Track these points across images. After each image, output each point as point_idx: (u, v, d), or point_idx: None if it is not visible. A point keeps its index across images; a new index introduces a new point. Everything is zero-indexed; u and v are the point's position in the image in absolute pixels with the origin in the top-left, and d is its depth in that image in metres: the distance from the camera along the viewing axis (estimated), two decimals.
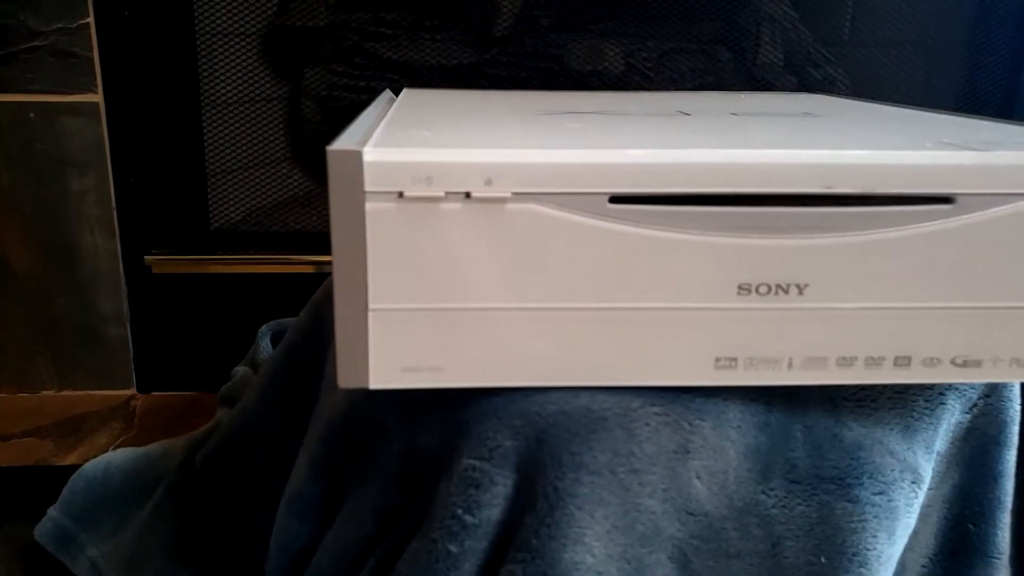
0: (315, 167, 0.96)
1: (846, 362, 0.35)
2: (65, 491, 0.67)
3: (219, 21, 0.84)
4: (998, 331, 0.34)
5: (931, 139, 0.36)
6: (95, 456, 0.69)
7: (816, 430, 0.37)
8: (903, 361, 0.35)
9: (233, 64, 0.87)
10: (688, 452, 0.35)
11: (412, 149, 0.31)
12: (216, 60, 0.85)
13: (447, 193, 0.31)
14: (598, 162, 0.31)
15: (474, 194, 0.31)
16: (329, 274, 0.90)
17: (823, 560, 0.37)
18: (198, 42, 0.82)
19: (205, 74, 0.84)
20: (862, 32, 0.95)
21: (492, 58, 0.89)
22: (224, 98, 0.87)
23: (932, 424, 0.40)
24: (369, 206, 0.31)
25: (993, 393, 0.41)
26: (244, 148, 0.89)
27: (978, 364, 0.35)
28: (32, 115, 0.79)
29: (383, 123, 0.38)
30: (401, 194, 0.31)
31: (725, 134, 0.37)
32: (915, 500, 0.39)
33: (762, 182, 0.32)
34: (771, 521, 0.36)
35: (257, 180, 0.91)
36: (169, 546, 0.63)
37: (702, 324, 0.34)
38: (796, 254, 0.33)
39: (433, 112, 0.44)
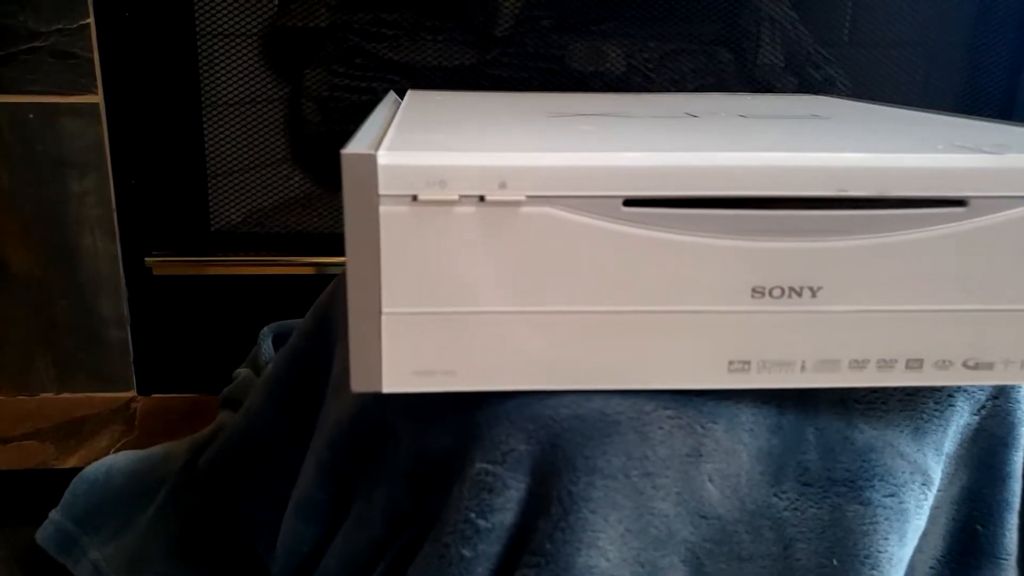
0: (316, 168, 0.96)
1: (858, 365, 0.35)
2: (67, 494, 0.67)
3: (219, 22, 0.84)
4: (1010, 333, 0.35)
5: (942, 142, 0.36)
6: (96, 459, 0.68)
7: (828, 432, 0.37)
8: (915, 364, 0.35)
9: (233, 65, 0.86)
10: (701, 455, 0.35)
11: (426, 152, 0.31)
12: (216, 61, 0.85)
13: (461, 196, 0.31)
14: (612, 165, 0.31)
15: (488, 197, 0.31)
16: (333, 276, 0.90)
17: (835, 563, 0.37)
18: (198, 43, 0.82)
19: (205, 75, 0.84)
20: (862, 33, 0.95)
21: (493, 59, 0.89)
22: (224, 99, 0.87)
23: (942, 426, 0.40)
24: (383, 209, 0.31)
25: (1001, 395, 0.41)
26: (244, 149, 0.89)
27: (989, 366, 0.35)
28: (32, 116, 0.79)
29: (393, 126, 0.38)
30: (415, 197, 0.31)
31: (737, 137, 0.37)
32: (925, 502, 0.39)
33: (776, 185, 0.32)
34: (783, 524, 0.36)
35: (257, 181, 0.91)
36: (172, 549, 0.63)
37: (715, 327, 0.34)
38: (809, 257, 0.33)
39: (441, 115, 0.44)
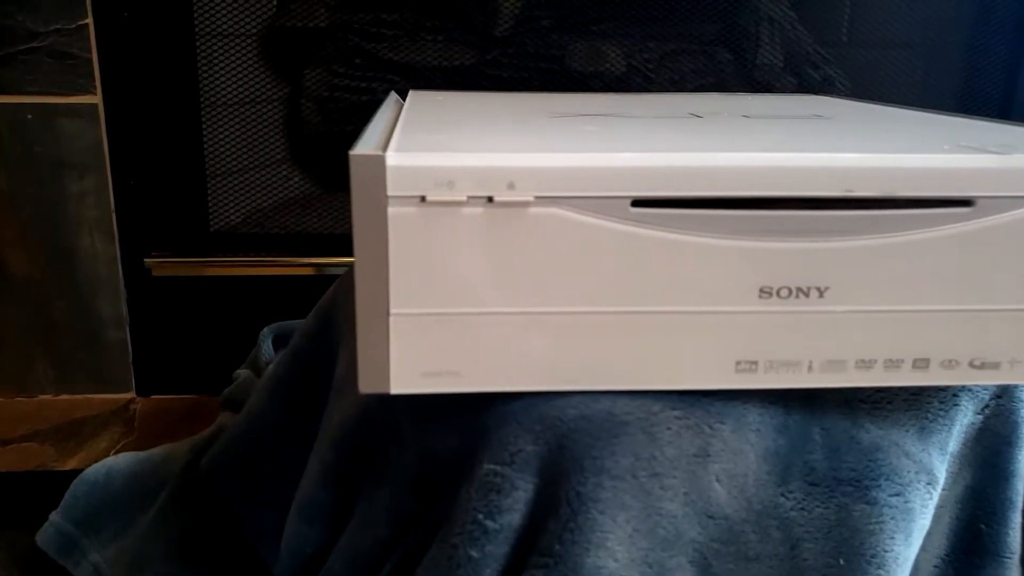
0: (315, 169, 0.96)
1: (865, 365, 0.35)
2: (67, 496, 0.67)
3: (219, 22, 0.84)
4: (1016, 333, 0.35)
5: (947, 142, 0.36)
6: (96, 461, 0.68)
7: (834, 432, 0.37)
8: (921, 363, 0.35)
9: (233, 65, 0.86)
10: (708, 456, 0.35)
11: (434, 153, 0.31)
12: (216, 61, 0.85)
13: (469, 197, 0.31)
14: (621, 166, 0.31)
15: (496, 198, 0.31)
16: (333, 277, 0.90)
17: (841, 562, 0.37)
18: (197, 43, 0.82)
19: (204, 75, 0.84)
20: (860, 33, 0.95)
21: (493, 59, 0.89)
22: (224, 99, 0.86)
23: (946, 425, 0.40)
24: (391, 210, 0.31)
25: (1004, 394, 0.41)
26: (244, 150, 0.89)
27: (996, 366, 0.35)
28: (30, 117, 0.78)
29: (399, 127, 0.38)
30: (423, 198, 0.31)
31: (743, 137, 0.37)
32: (930, 501, 0.39)
33: (784, 186, 0.32)
34: (790, 523, 0.36)
35: (257, 182, 0.91)
36: (173, 550, 0.63)
37: (723, 327, 0.34)
38: (817, 257, 0.33)
39: (445, 115, 0.44)
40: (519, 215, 0.32)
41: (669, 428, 0.35)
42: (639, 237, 0.32)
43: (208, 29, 0.83)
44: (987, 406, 0.41)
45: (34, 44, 0.76)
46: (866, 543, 0.37)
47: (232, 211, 0.89)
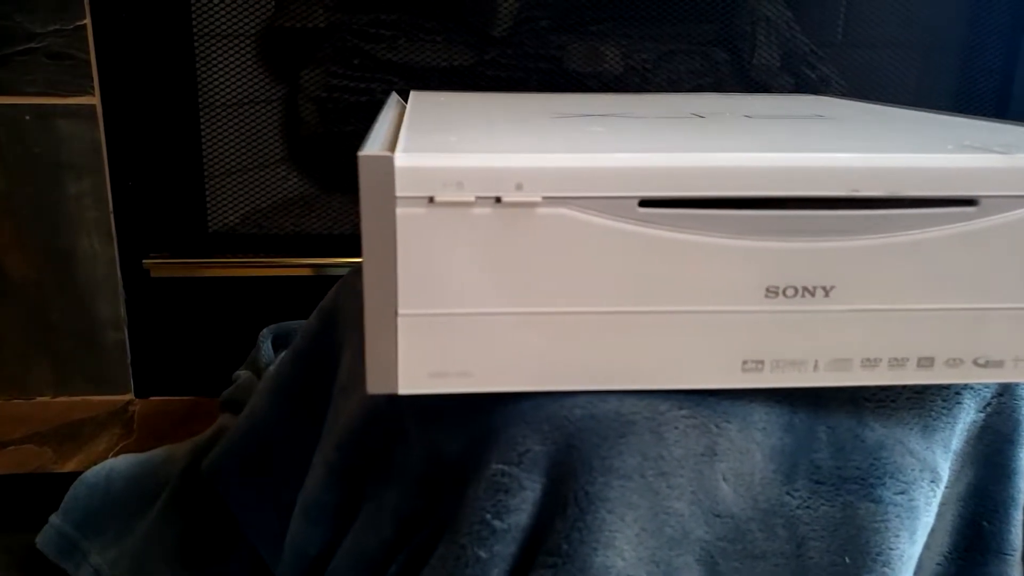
0: (313, 169, 0.95)
1: (870, 363, 0.35)
2: (67, 498, 0.66)
3: (217, 23, 0.83)
4: (1020, 331, 0.35)
5: (951, 142, 0.36)
6: (95, 463, 0.68)
7: (839, 431, 0.38)
8: (926, 362, 0.35)
9: (231, 66, 0.86)
10: (715, 454, 0.35)
11: (442, 154, 0.31)
12: (214, 62, 0.84)
13: (477, 198, 0.31)
14: (629, 166, 0.31)
15: (504, 199, 0.31)
16: (331, 277, 0.89)
17: (847, 560, 0.37)
18: (196, 44, 0.82)
19: (203, 76, 0.83)
20: (856, 33, 0.96)
21: (491, 59, 0.89)
22: (222, 100, 0.86)
23: (949, 424, 0.40)
24: (400, 211, 0.31)
25: (1006, 392, 0.42)
26: (242, 150, 0.89)
27: (1000, 364, 0.35)
28: (28, 118, 0.78)
29: (404, 128, 0.38)
30: (432, 199, 0.31)
31: (748, 137, 0.37)
32: (934, 499, 0.39)
33: (790, 186, 0.32)
34: (796, 522, 0.37)
35: (255, 182, 0.90)
36: (174, 552, 0.63)
37: (730, 327, 0.34)
38: (823, 257, 0.33)
39: (449, 116, 0.44)
40: (527, 215, 0.32)
41: (676, 427, 0.35)
42: (646, 237, 0.32)
43: (206, 30, 0.83)
44: (989, 404, 0.42)
45: (32, 45, 0.76)
46: (871, 541, 0.37)
47: (230, 212, 0.89)
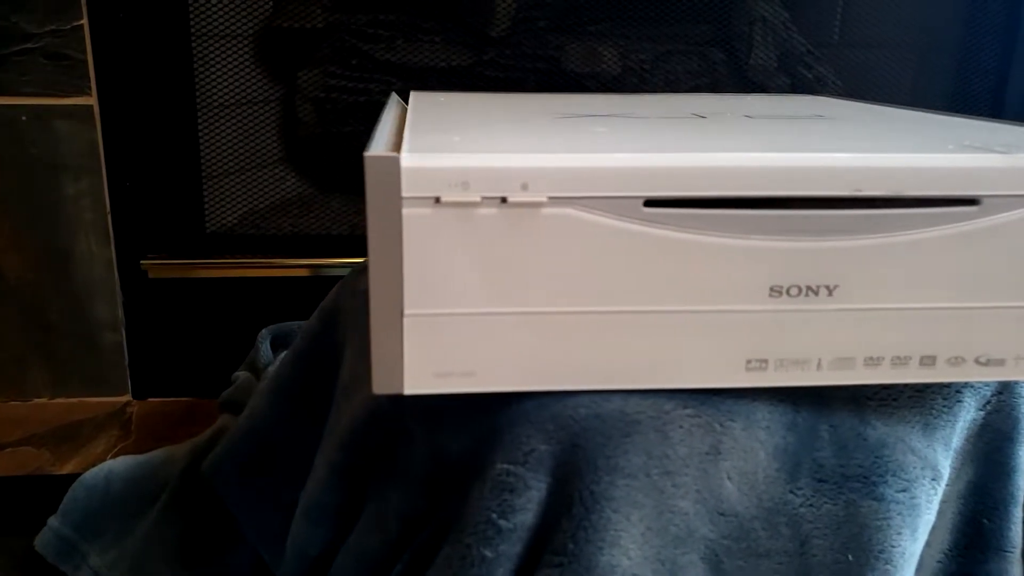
0: (311, 170, 0.95)
1: (873, 362, 0.35)
2: (65, 500, 0.66)
3: (214, 23, 0.83)
4: (1021, 330, 0.35)
5: (951, 142, 0.37)
6: (92, 464, 0.68)
7: (841, 429, 0.38)
8: (928, 361, 0.35)
9: (228, 66, 0.86)
10: (720, 453, 0.35)
11: (448, 154, 0.31)
12: (211, 62, 0.84)
13: (483, 198, 0.31)
14: (634, 166, 0.31)
15: (510, 199, 0.31)
16: (329, 278, 0.89)
17: (850, 558, 0.37)
18: (193, 44, 0.81)
19: (200, 76, 0.83)
20: (852, 33, 0.96)
21: (489, 60, 0.89)
22: (219, 100, 0.86)
23: (950, 422, 0.40)
24: (406, 211, 0.31)
25: (1006, 390, 0.42)
26: (239, 151, 0.89)
27: (1001, 362, 0.36)
28: (25, 118, 0.78)
29: (408, 128, 0.38)
30: (438, 199, 0.31)
31: (751, 138, 0.37)
32: (935, 497, 0.40)
33: (795, 185, 0.32)
34: (799, 520, 0.37)
35: (253, 183, 0.90)
36: (174, 554, 0.63)
37: (734, 326, 0.34)
38: (827, 256, 0.33)
39: (451, 116, 0.44)
40: (532, 215, 0.32)
41: (681, 426, 0.35)
42: (651, 237, 0.32)
43: (204, 30, 0.83)
44: (989, 402, 0.42)
45: (29, 45, 0.76)
46: (874, 539, 0.37)
47: (228, 212, 0.89)
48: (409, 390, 0.33)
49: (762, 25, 0.93)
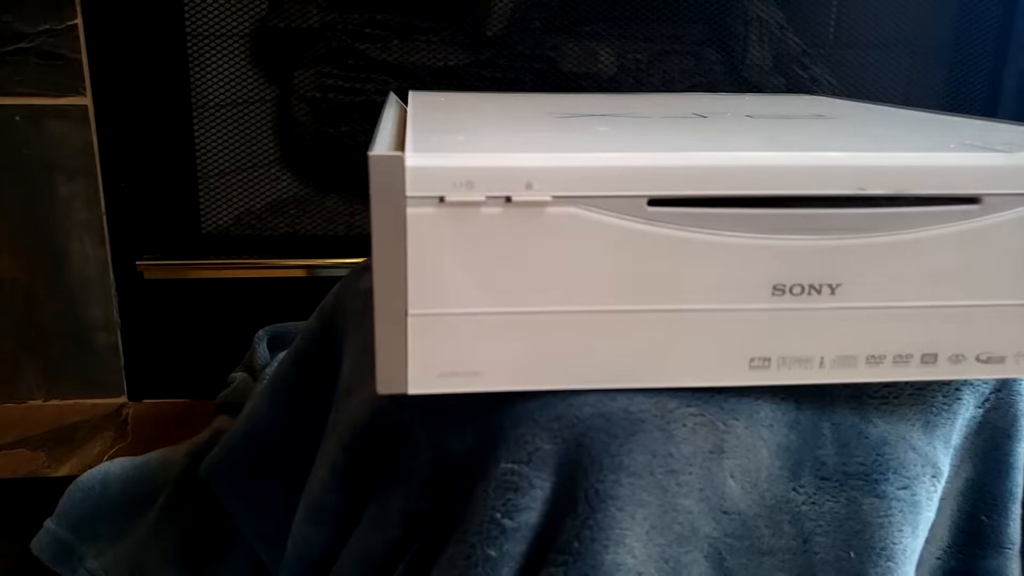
0: (307, 170, 0.95)
1: (875, 360, 0.35)
2: (62, 502, 0.66)
3: (210, 22, 0.83)
4: (1022, 327, 0.35)
5: (952, 141, 0.37)
6: (88, 467, 0.67)
7: (843, 427, 0.38)
8: (930, 358, 0.36)
9: (224, 66, 0.85)
10: (723, 452, 0.35)
11: (452, 154, 0.31)
12: (207, 62, 0.84)
13: (488, 197, 0.31)
14: (638, 165, 0.32)
15: (515, 198, 0.31)
16: (325, 278, 0.89)
17: (852, 555, 0.37)
18: (188, 44, 0.81)
19: (195, 76, 0.83)
20: (847, 33, 0.96)
21: (485, 60, 0.89)
22: (215, 100, 0.86)
23: (950, 419, 0.41)
24: (410, 211, 0.31)
25: (1004, 388, 0.42)
26: (235, 151, 0.88)
27: (1001, 360, 0.36)
28: (18, 118, 0.77)
29: (410, 128, 0.38)
30: (442, 199, 0.31)
31: (754, 137, 0.38)
32: (935, 494, 0.40)
33: (798, 184, 0.32)
34: (802, 518, 0.37)
35: (248, 183, 0.90)
36: (172, 556, 0.62)
37: (737, 325, 0.34)
38: (829, 254, 0.33)
39: (452, 116, 0.44)
40: (537, 215, 0.32)
41: (685, 425, 0.35)
42: (656, 236, 0.32)
43: (199, 30, 0.82)
44: (987, 400, 0.42)
45: (22, 45, 0.75)
46: (876, 536, 0.37)
47: (224, 213, 0.88)
48: (413, 390, 0.33)
49: (757, 25, 0.93)
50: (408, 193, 0.31)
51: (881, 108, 0.55)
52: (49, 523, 0.65)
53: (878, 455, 0.38)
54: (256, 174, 0.91)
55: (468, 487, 0.37)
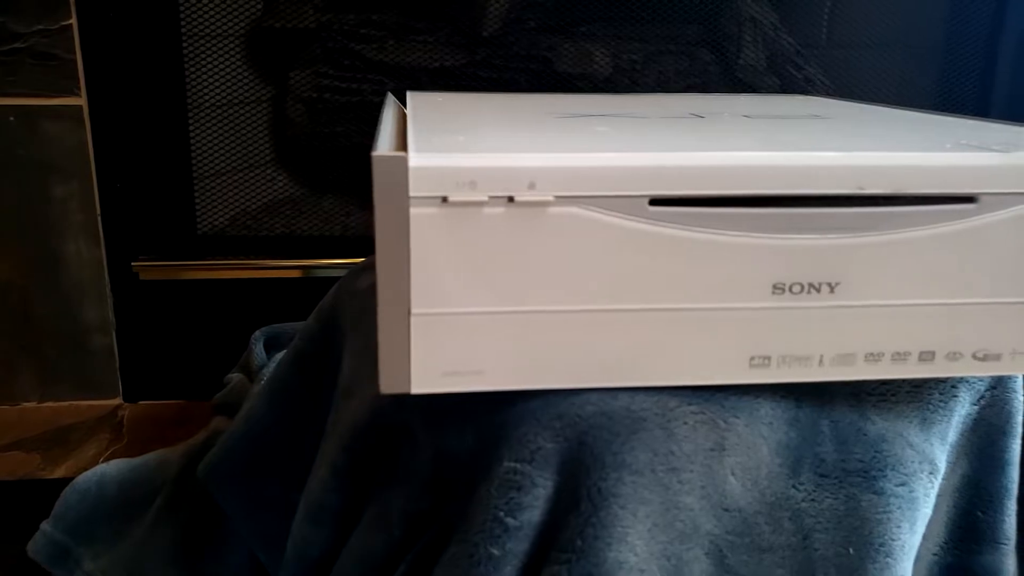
0: (303, 170, 0.95)
1: (874, 358, 0.36)
2: (58, 505, 0.66)
3: (205, 22, 0.83)
4: (1018, 325, 0.36)
5: (948, 140, 0.37)
6: (84, 468, 0.67)
7: (842, 425, 0.38)
8: (927, 356, 0.36)
9: (219, 66, 0.85)
10: (724, 449, 0.36)
11: (455, 154, 0.31)
12: (202, 62, 0.84)
13: (490, 197, 0.31)
14: (640, 165, 0.32)
15: (517, 198, 0.31)
16: (324, 279, 0.89)
17: (851, 551, 0.38)
18: (184, 44, 0.81)
19: (191, 76, 0.83)
20: (839, 34, 0.97)
21: (481, 60, 0.90)
22: (210, 101, 0.86)
23: (946, 416, 0.41)
24: (413, 211, 0.31)
25: (999, 385, 0.43)
26: (231, 151, 0.88)
27: (998, 357, 0.36)
28: (13, 119, 0.77)
29: (411, 128, 0.38)
30: (445, 199, 0.31)
31: (753, 137, 0.38)
32: (932, 490, 0.40)
33: (800, 184, 0.33)
34: (801, 515, 0.37)
35: (244, 184, 0.90)
36: (169, 557, 0.62)
37: (738, 323, 0.34)
38: (828, 253, 0.34)
39: (452, 116, 0.44)
40: (539, 214, 0.32)
41: (686, 423, 0.35)
42: (657, 235, 0.33)
43: (194, 30, 0.82)
44: (983, 397, 0.43)
45: (16, 45, 0.75)
46: (874, 532, 0.38)
47: (219, 213, 0.88)
48: (416, 390, 0.33)
49: (751, 26, 0.93)
50: (411, 193, 0.31)
51: (876, 108, 0.55)
52: (45, 525, 0.65)
53: (876, 452, 0.38)
54: (252, 175, 0.91)
55: (469, 486, 0.37)
